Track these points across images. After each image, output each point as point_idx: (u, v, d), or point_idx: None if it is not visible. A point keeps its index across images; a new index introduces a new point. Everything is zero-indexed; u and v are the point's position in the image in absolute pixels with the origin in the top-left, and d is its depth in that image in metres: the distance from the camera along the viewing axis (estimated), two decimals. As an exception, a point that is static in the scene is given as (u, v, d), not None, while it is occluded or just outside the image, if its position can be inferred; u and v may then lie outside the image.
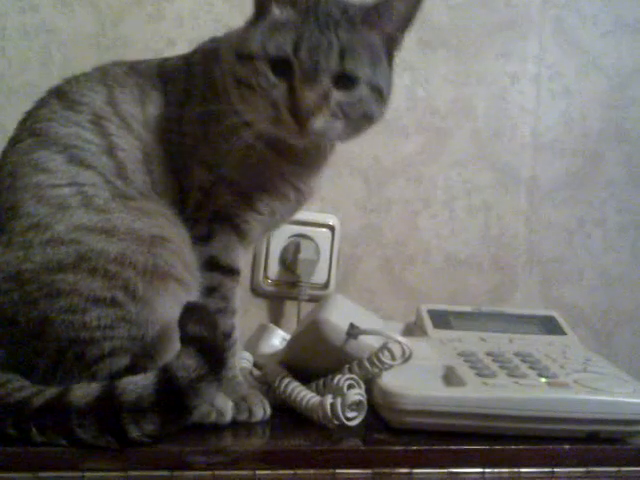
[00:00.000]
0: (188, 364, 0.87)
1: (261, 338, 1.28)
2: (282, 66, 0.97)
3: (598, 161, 1.71)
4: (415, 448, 0.92)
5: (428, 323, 1.25)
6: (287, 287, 1.57)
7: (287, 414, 1.02)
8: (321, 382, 1.03)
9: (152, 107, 1.08)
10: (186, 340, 0.89)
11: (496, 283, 1.68)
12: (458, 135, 1.66)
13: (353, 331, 1.01)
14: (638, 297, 1.73)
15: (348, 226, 1.60)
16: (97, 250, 0.95)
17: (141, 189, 1.04)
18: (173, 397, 0.86)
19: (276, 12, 1.00)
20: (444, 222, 1.66)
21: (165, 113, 1.08)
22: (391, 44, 1.04)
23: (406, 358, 1.00)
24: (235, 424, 0.98)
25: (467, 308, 1.34)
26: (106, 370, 0.94)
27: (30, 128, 1.05)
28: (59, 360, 0.94)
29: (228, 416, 0.97)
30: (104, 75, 1.10)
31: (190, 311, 0.90)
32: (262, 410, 1.00)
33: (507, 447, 0.94)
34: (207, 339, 0.88)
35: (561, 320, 1.30)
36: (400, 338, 1.01)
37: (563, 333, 1.26)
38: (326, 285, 1.59)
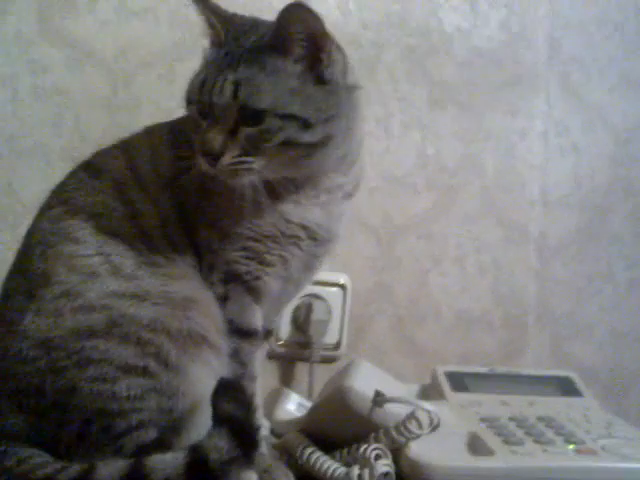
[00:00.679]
0: (220, 446, 0.84)
1: (276, 403, 1.26)
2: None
3: (606, 217, 1.70)
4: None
5: (446, 386, 1.24)
6: (298, 348, 1.54)
7: (311, 485, 0.99)
8: (345, 451, 1.01)
9: (165, 168, 1.07)
10: (218, 419, 0.86)
11: (507, 341, 1.66)
12: (467, 192, 1.65)
13: (379, 399, 0.99)
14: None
15: (359, 285, 1.58)
16: (129, 315, 0.94)
17: (166, 253, 1.02)
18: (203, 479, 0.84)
19: (206, 54, 1.02)
20: (455, 280, 1.64)
21: (175, 173, 1.06)
22: (313, 64, 0.97)
23: (434, 427, 0.98)
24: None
25: (483, 369, 1.32)
26: (132, 444, 0.92)
27: (59, 197, 1.05)
28: (84, 432, 0.92)
29: (254, 491, 0.95)
30: (123, 141, 1.11)
31: (223, 389, 0.88)
32: (287, 483, 0.98)
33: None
34: (240, 419, 0.86)
35: (578, 381, 1.29)
36: (428, 406, 1.00)
37: (581, 395, 1.25)
38: (338, 345, 1.56)
